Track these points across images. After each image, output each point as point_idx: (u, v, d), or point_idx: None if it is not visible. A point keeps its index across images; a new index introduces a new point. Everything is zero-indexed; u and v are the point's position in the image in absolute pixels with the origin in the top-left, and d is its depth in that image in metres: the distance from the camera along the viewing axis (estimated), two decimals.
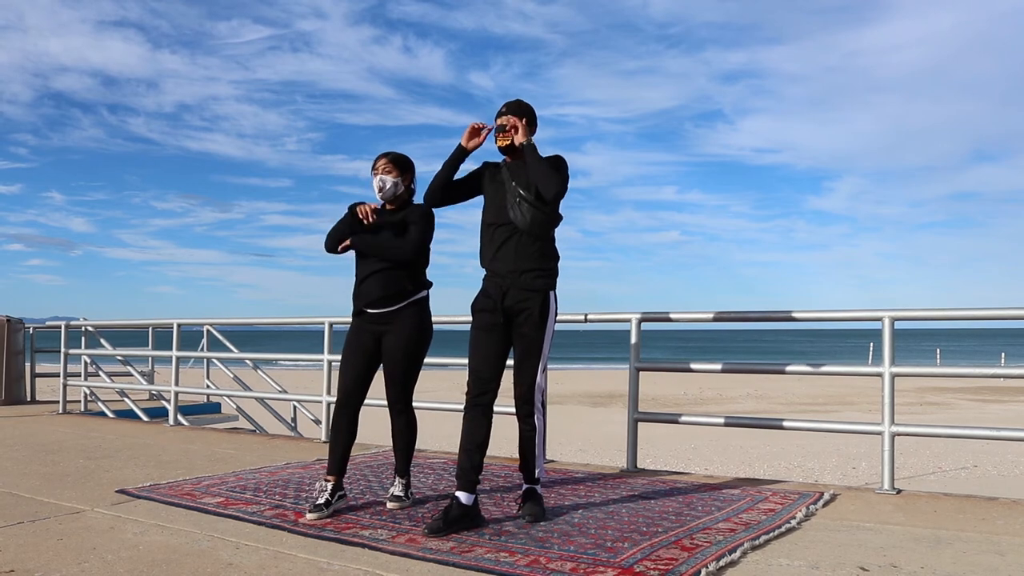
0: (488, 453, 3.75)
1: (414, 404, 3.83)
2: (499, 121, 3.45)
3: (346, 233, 3.72)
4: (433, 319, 3.83)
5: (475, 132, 3.48)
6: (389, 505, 3.67)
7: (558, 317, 3.56)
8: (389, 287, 3.64)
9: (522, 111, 3.48)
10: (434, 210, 3.67)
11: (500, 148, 3.47)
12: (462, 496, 3.28)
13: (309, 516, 3.48)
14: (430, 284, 3.81)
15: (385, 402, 3.79)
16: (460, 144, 3.50)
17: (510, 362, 3.52)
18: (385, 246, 3.65)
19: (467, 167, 3.59)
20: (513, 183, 3.42)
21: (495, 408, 3.45)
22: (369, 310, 3.69)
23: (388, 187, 3.65)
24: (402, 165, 3.70)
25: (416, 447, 3.85)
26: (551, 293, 3.44)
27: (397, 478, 3.77)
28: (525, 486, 3.52)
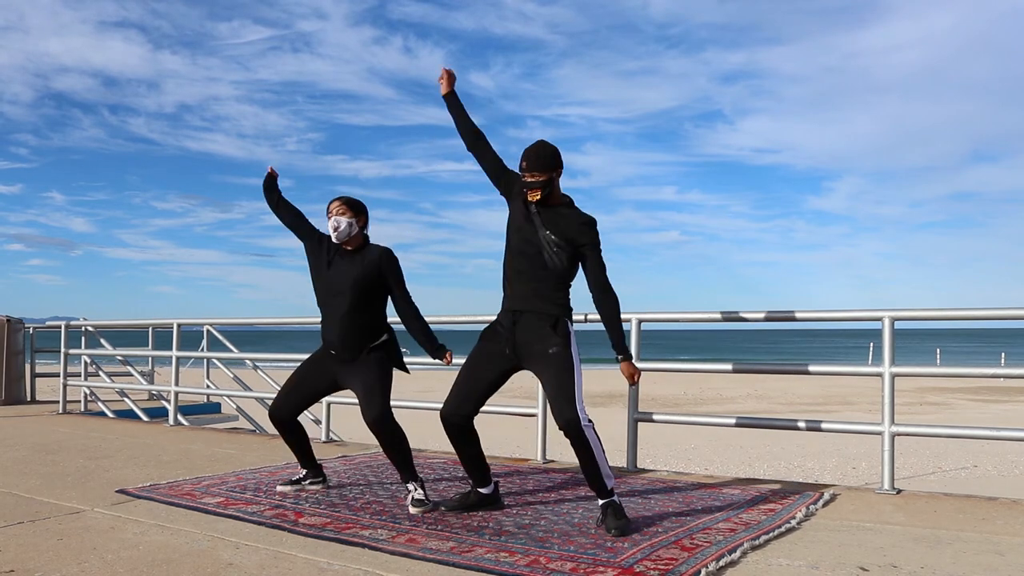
0: (488, 453, 3.76)
1: (416, 404, 3.85)
2: (527, 180, 3.34)
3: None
4: (434, 319, 3.88)
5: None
6: (412, 510, 3.57)
7: None
8: (351, 337, 3.82)
9: (546, 164, 3.33)
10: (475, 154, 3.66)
11: (530, 202, 3.38)
12: (481, 490, 3.61)
13: (279, 488, 4.05)
14: (389, 329, 3.96)
15: (403, 402, 3.82)
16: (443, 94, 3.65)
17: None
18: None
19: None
20: (547, 231, 3.36)
21: (498, 408, 3.47)
22: (333, 352, 3.89)
23: (343, 228, 3.83)
24: (355, 208, 3.88)
25: (416, 447, 3.85)
26: (566, 319, 3.39)
27: (410, 484, 3.71)
28: (600, 502, 3.31)
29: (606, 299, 3.38)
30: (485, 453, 3.63)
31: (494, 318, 3.55)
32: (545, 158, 3.34)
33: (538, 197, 3.35)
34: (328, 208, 3.87)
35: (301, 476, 4.11)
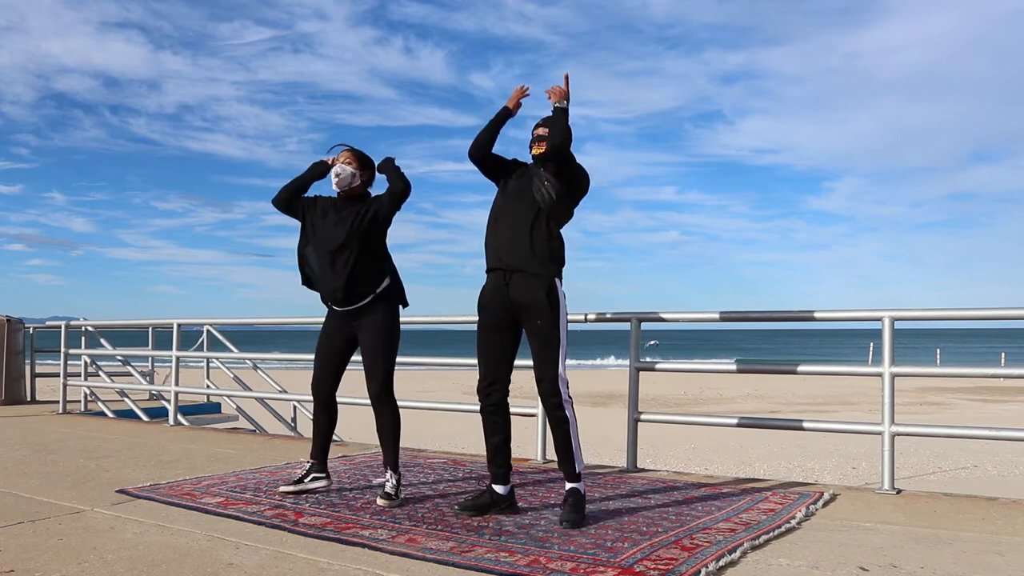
0: None
1: (417, 404, 3.85)
2: (538, 132, 3.55)
3: (306, 185, 3.90)
4: (434, 319, 3.89)
5: (522, 94, 3.58)
6: (379, 502, 3.67)
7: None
8: (351, 285, 3.77)
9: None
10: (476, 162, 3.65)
11: (535, 156, 3.56)
12: (497, 488, 3.54)
13: (282, 488, 3.95)
14: (392, 272, 3.91)
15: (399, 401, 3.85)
16: (506, 107, 3.59)
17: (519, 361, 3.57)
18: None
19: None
20: (541, 169, 3.49)
21: (513, 409, 3.53)
22: (337, 308, 3.85)
23: (345, 175, 3.80)
24: (363, 161, 3.87)
25: (416, 447, 3.86)
26: (556, 281, 3.44)
27: (389, 472, 3.77)
28: (568, 486, 3.41)
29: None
30: (485, 453, 3.63)
31: None
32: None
33: (543, 150, 3.49)
34: (337, 156, 3.87)
35: (304, 472, 4.04)
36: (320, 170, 3.93)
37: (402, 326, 3.99)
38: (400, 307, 3.95)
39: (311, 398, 4.07)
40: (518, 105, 3.59)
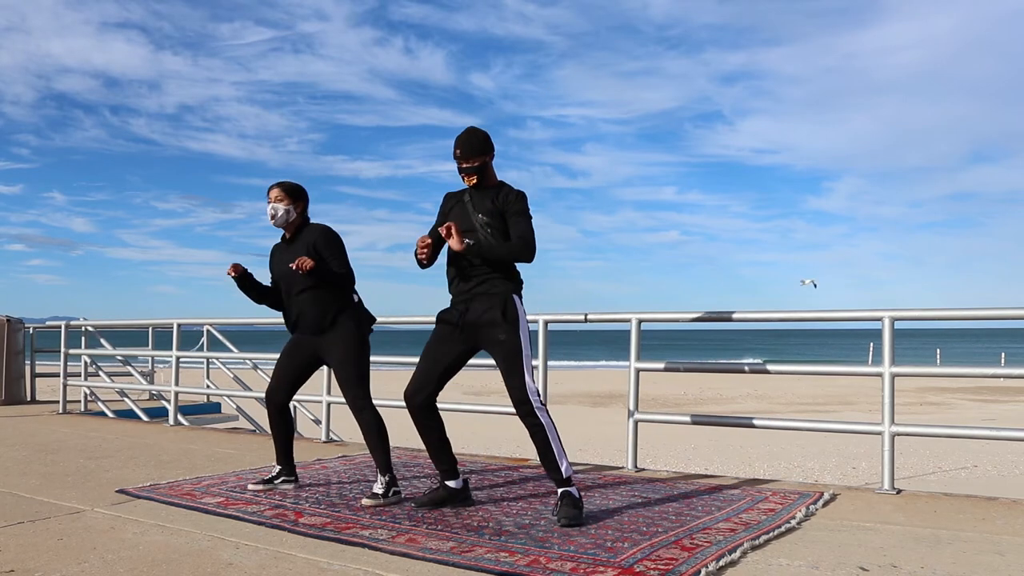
0: (489, 453, 3.77)
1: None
2: (463, 166, 3.49)
3: (255, 292, 4.06)
4: (428, 319, 3.89)
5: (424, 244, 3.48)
6: (364, 502, 3.68)
7: (558, 317, 3.57)
8: (312, 316, 3.89)
9: (479, 150, 3.48)
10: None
11: (467, 183, 3.57)
12: (449, 484, 3.62)
13: (250, 487, 4.04)
14: (354, 298, 3.98)
15: (396, 401, 3.86)
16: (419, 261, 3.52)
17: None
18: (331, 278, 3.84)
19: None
20: (479, 214, 3.50)
21: (498, 408, 3.50)
22: (301, 333, 3.98)
23: (280, 215, 3.90)
24: (293, 194, 3.92)
25: (416, 447, 3.86)
26: (513, 296, 3.49)
27: (379, 476, 3.80)
28: (559, 490, 3.41)
29: (518, 242, 3.42)
30: (485, 453, 3.66)
31: None
32: (477, 144, 3.52)
33: (475, 181, 3.53)
34: (267, 195, 3.91)
35: (274, 475, 4.14)
36: (243, 276, 3.98)
37: (403, 326, 4.02)
38: (366, 323, 3.99)
39: (311, 398, 4.09)
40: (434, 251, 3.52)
